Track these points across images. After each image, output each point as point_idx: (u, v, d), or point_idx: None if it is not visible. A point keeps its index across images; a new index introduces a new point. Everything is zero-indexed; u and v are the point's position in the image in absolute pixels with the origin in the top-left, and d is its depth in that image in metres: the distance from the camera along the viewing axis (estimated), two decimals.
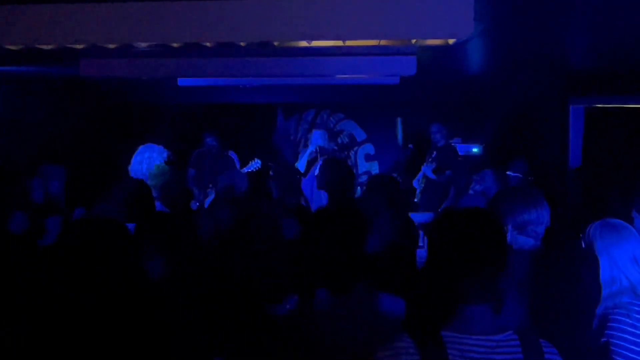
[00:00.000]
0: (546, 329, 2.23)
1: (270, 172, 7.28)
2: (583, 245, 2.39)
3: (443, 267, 1.44)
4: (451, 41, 2.54)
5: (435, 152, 6.59)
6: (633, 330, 2.10)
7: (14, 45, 2.63)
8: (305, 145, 7.19)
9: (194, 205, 6.13)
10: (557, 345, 1.53)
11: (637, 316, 2.11)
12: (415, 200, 7.03)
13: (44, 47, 2.68)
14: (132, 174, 4.48)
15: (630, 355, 2.07)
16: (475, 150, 7.78)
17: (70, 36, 2.55)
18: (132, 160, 4.49)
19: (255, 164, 6.51)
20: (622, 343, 2.10)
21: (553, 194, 2.61)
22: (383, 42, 2.66)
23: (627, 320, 2.12)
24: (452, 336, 1.37)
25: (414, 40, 2.52)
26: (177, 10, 2.46)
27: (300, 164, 6.52)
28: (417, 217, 3.17)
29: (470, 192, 5.15)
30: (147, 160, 4.47)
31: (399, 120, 8.56)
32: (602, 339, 2.16)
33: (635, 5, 2.44)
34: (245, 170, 6.49)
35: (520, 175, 5.26)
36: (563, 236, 2.63)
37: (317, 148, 6.45)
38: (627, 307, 2.14)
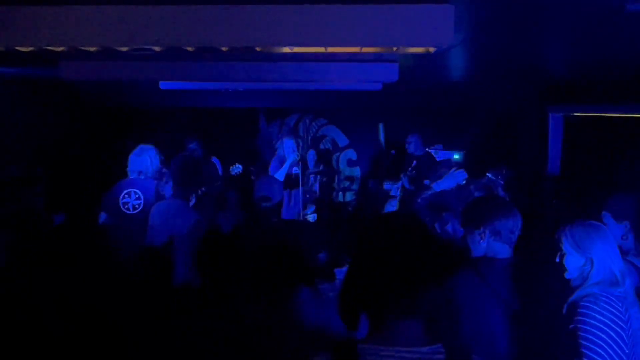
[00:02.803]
0: (524, 335, 2.28)
1: (252, 176, 7.29)
2: (563, 245, 2.42)
3: (367, 278, 1.34)
4: (432, 50, 2.57)
5: (415, 162, 6.64)
6: (600, 317, 2.16)
7: None
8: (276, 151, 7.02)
9: None
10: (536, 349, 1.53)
11: (604, 305, 2.19)
12: (395, 209, 7.07)
13: (24, 49, 2.65)
14: (135, 174, 4.43)
15: (596, 340, 2.14)
16: (456, 156, 7.85)
17: (50, 39, 2.52)
18: (135, 160, 4.43)
19: (236, 169, 6.49)
20: (589, 328, 2.16)
21: (531, 201, 2.65)
22: (365, 49, 2.68)
23: (595, 307, 2.19)
24: (368, 348, 1.30)
25: (395, 49, 2.54)
26: (159, 14, 2.44)
27: (279, 174, 6.44)
28: None
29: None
30: (151, 158, 4.47)
31: (381, 126, 8.61)
32: (571, 325, 2.22)
33: (612, 17, 2.48)
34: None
35: (500, 181, 5.31)
36: (540, 243, 2.66)
37: (299, 160, 6.32)
38: (596, 296, 2.22)
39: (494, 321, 2.30)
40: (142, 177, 4.43)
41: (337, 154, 9.12)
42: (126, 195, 4.43)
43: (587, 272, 2.34)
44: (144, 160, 4.45)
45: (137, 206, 4.40)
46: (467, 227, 2.52)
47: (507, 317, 2.30)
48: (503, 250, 2.45)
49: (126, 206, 4.41)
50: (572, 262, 2.39)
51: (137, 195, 4.40)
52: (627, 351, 2.16)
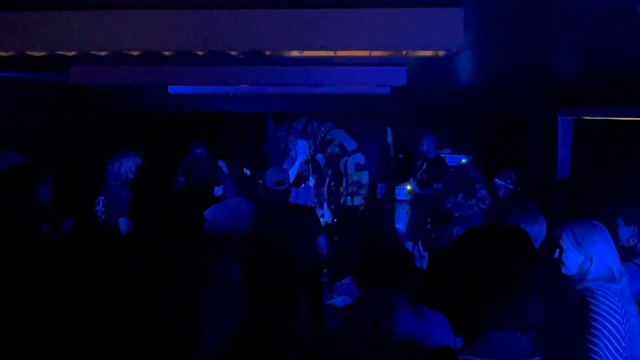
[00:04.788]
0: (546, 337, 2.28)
1: (260, 181, 7.29)
2: (564, 242, 2.45)
3: (466, 289, 1.30)
4: (441, 53, 2.56)
5: (425, 165, 6.60)
6: (597, 309, 2.25)
7: (3, 52, 2.62)
8: (289, 153, 7.18)
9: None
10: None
11: (601, 298, 2.28)
12: (406, 212, 7.07)
13: (34, 54, 2.66)
14: (111, 180, 4.50)
15: (594, 332, 2.21)
16: (464, 161, 7.83)
17: (61, 43, 2.54)
18: (107, 169, 4.52)
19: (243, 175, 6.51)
20: (586, 321, 2.24)
21: (541, 205, 2.65)
22: (374, 53, 2.68)
23: (592, 300, 2.28)
24: (463, 359, 1.28)
25: (404, 52, 2.54)
26: (169, 18, 2.46)
27: (290, 174, 6.51)
28: None
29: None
30: (127, 164, 4.51)
31: (389, 130, 8.60)
32: (570, 319, 2.30)
33: (623, 19, 2.47)
34: None
35: (509, 186, 5.29)
36: (551, 247, 2.66)
37: (309, 160, 6.46)
38: (592, 290, 2.32)
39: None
40: (112, 184, 4.49)
41: (345, 158, 9.11)
42: (96, 204, 4.50)
43: (586, 269, 2.41)
44: (109, 167, 4.52)
45: (102, 213, 4.45)
46: None
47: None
48: None
49: (97, 214, 4.48)
50: (572, 259, 2.45)
51: (102, 204, 4.47)
52: (624, 345, 2.22)
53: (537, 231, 2.47)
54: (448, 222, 3.48)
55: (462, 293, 1.30)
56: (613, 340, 2.19)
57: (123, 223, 4.41)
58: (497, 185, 5.29)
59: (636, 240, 2.95)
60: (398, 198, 7.71)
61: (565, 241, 2.46)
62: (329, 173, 7.57)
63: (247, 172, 6.56)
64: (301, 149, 6.55)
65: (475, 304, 1.28)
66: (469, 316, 1.30)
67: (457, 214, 3.48)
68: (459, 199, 3.48)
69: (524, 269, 1.30)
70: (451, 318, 1.33)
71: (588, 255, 2.41)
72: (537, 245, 2.48)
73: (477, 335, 1.29)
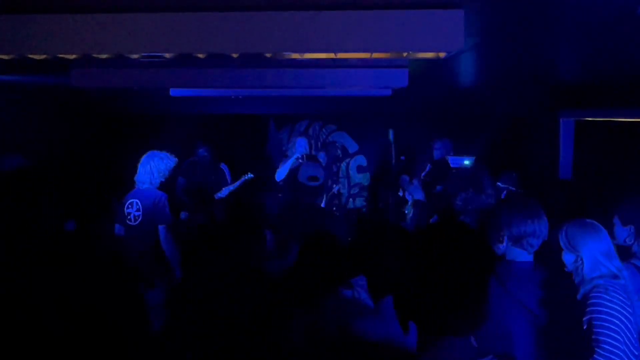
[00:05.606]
0: (542, 338, 2.28)
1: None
2: (561, 243, 2.48)
3: (421, 294, 1.29)
4: (442, 55, 2.56)
5: (429, 166, 6.60)
6: (611, 304, 2.29)
7: (5, 55, 2.63)
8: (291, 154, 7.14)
9: (183, 214, 6.11)
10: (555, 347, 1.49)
11: (613, 293, 2.32)
12: (406, 212, 7.05)
13: (36, 57, 2.67)
14: (140, 184, 4.45)
15: (612, 326, 2.24)
16: (467, 162, 7.81)
17: (62, 46, 2.54)
18: (139, 171, 4.47)
19: (247, 177, 6.50)
20: (604, 316, 2.27)
21: (543, 206, 2.66)
22: (375, 55, 2.68)
23: (606, 296, 2.32)
24: None
25: (405, 54, 2.54)
26: (170, 21, 2.46)
27: (282, 171, 6.45)
28: None
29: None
30: (153, 167, 4.46)
31: (391, 132, 8.58)
32: (585, 317, 2.32)
33: (623, 21, 2.47)
34: (238, 183, 6.48)
35: (511, 188, 5.28)
36: (553, 247, 2.66)
37: (303, 156, 6.41)
38: (605, 286, 2.35)
39: (510, 323, 2.29)
40: (146, 187, 4.43)
41: (347, 160, 9.11)
42: (129, 206, 4.43)
43: (580, 268, 2.45)
44: (142, 168, 4.46)
45: (137, 217, 4.39)
46: (489, 230, 2.54)
47: (526, 320, 2.30)
48: (522, 255, 2.46)
49: (129, 217, 4.41)
50: (567, 258, 2.50)
51: (137, 207, 4.40)
52: (635, 336, 2.28)
53: (531, 229, 2.46)
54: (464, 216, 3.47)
55: (416, 297, 1.29)
56: (627, 332, 2.24)
57: (162, 230, 4.33)
58: (499, 188, 5.28)
59: (632, 241, 2.95)
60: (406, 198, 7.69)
61: (560, 241, 2.51)
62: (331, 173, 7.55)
63: (250, 175, 6.56)
64: (302, 147, 6.49)
65: (429, 307, 1.27)
66: (425, 321, 1.29)
67: (470, 207, 3.47)
68: (468, 195, 3.47)
69: (476, 270, 1.28)
70: (405, 322, 1.31)
71: (578, 255, 2.45)
72: (539, 242, 2.48)
73: (433, 341, 1.28)
